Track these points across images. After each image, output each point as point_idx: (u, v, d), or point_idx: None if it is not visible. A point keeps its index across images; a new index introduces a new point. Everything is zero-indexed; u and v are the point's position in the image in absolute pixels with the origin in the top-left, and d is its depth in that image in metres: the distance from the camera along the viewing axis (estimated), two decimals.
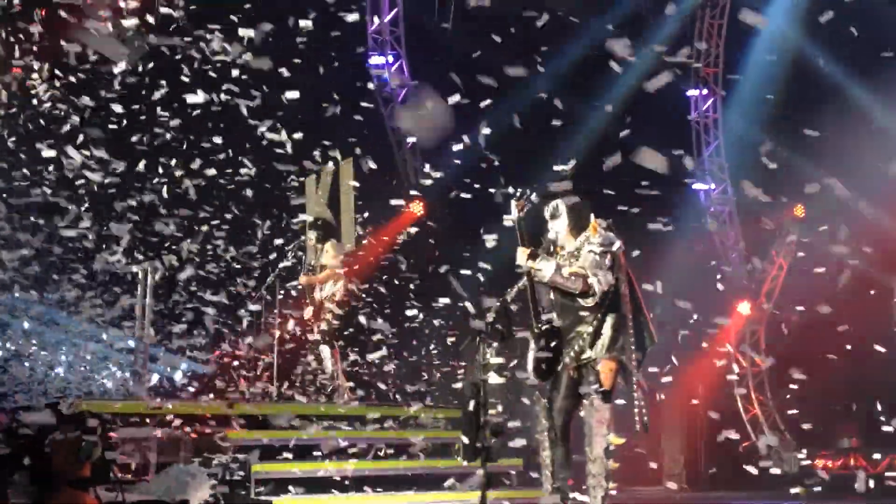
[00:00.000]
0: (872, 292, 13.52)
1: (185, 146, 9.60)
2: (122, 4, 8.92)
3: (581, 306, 5.69)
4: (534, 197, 5.93)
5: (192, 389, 10.60)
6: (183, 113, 8.83)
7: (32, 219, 9.42)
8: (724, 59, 16.87)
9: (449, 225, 13.27)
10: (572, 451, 5.77)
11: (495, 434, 5.79)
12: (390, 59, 14.75)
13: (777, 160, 8.30)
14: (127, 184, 9.18)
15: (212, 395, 9.37)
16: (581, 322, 5.70)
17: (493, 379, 5.94)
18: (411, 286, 11.46)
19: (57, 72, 9.66)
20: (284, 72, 8.37)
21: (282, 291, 10.16)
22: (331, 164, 11.12)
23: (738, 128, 16.23)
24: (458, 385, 10.18)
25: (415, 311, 10.20)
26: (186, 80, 8.61)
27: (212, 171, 8.92)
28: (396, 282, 11.62)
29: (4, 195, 9.49)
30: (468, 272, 8.39)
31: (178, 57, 8.78)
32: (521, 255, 5.81)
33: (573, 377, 5.69)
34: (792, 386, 10.19)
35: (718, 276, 15.30)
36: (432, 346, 12.69)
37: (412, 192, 13.82)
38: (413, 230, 12.85)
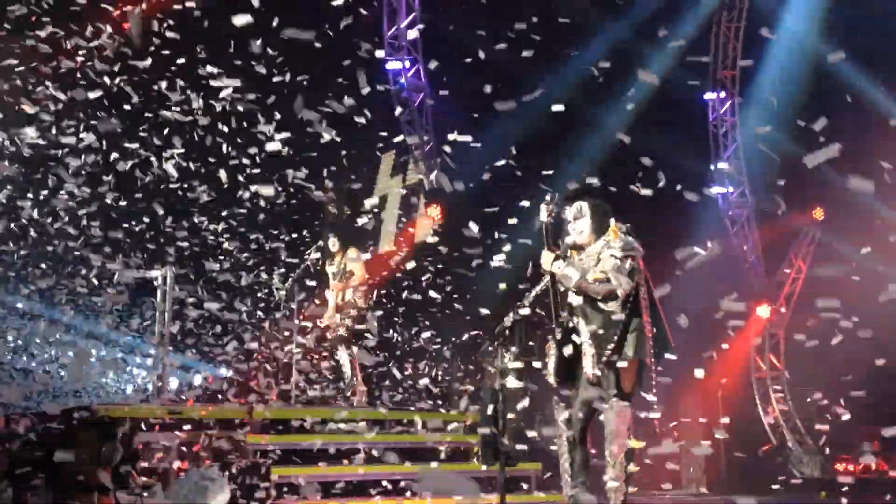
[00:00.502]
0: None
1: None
2: None
3: (603, 310, 5.70)
4: (559, 203, 5.93)
5: (210, 393, 10.66)
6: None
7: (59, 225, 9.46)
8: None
9: (466, 230, 13.25)
10: (591, 454, 5.78)
11: (514, 438, 5.79)
12: (407, 63, 14.78)
13: (795, 162, 8.25)
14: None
15: (231, 399, 9.42)
16: (602, 326, 5.70)
17: (512, 383, 5.94)
18: (430, 291, 11.46)
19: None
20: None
21: (301, 295, 10.17)
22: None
23: (756, 130, 16.14)
24: (477, 389, 10.18)
25: (433, 316, 10.20)
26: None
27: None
28: (414, 287, 11.63)
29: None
30: (483, 278, 8.38)
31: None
32: (547, 257, 5.84)
33: (593, 380, 5.69)
34: (816, 396, 10.11)
35: (737, 280, 15.22)
36: (448, 350, 12.67)
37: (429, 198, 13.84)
38: (432, 239, 12.84)
